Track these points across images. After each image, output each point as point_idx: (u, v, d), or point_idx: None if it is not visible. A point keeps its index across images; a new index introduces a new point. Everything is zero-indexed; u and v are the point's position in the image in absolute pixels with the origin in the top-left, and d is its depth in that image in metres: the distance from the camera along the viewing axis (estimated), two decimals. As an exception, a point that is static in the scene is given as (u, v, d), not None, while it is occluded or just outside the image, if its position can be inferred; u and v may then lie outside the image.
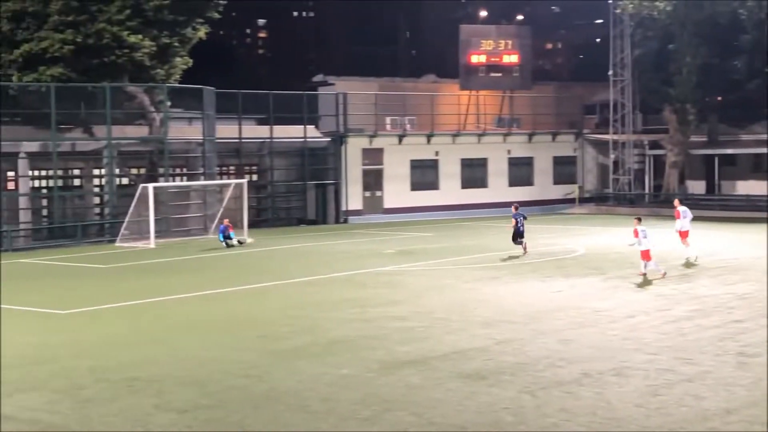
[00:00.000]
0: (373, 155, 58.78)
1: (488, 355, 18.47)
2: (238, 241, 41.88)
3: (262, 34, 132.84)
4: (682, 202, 35.41)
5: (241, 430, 13.82)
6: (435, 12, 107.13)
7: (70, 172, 50.03)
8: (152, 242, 42.42)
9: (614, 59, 63.03)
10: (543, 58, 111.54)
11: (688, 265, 31.81)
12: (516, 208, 36.55)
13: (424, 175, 61.08)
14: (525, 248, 35.73)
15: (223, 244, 41.01)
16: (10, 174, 46.80)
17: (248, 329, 21.66)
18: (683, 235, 33.44)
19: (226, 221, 42.42)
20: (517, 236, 36.00)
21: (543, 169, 65.18)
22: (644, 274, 28.80)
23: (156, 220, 43.94)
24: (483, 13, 78.33)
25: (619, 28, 62.73)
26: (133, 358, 18.64)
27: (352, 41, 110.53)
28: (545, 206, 62.44)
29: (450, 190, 61.33)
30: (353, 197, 57.51)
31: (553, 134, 65.33)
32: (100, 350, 19.60)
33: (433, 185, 61.20)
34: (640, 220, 30.31)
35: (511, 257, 34.76)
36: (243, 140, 53.89)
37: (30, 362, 18.43)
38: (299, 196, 56.52)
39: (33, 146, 46.65)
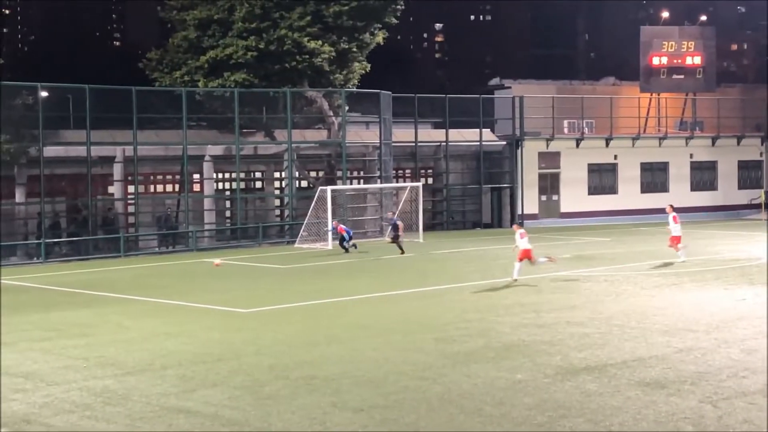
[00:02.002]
0: (549, 159, 58.16)
1: (668, 363, 17.94)
2: (353, 246, 41.16)
3: (438, 38, 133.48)
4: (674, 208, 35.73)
5: (416, 431, 13.85)
6: (615, 13, 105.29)
7: (252, 174, 51.52)
8: (330, 244, 43.16)
9: (804, 59, 60.33)
10: (728, 60, 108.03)
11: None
12: (393, 214, 43.17)
13: (602, 179, 60.08)
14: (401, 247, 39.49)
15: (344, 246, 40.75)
16: (196, 176, 48.55)
17: (423, 331, 21.72)
18: (677, 240, 34.46)
19: (335, 222, 42.50)
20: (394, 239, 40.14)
21: (727, 174, 63.08)
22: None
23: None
24: (665, 14, 76.37)
25: (810, 27, 60.02)
26: (311, 357, 18.97)
27: (529, 44, 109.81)
28: (729, 212, 60.44)
29: (629, 194, 60.09)
30: (529, 201, 57.04)
31: (738, 138, 63.14)
32: (279, 348, 20.04)
33: (612, 189, 60.11)
34: (521, 225, 32.81)
35: (692, 264, 33.74)
36: (419, 144, 54.20)
37: (213, 359, 19.00)
38: (474, 200, 56.45)
39: (217, 149, 48.26)
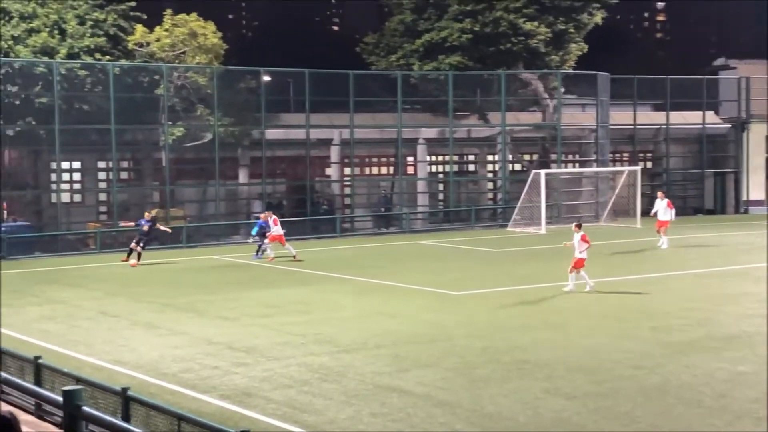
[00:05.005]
0: (778, 143, 55.53)
1: None
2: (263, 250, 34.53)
3: (660, 17, 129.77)
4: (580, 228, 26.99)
5: (631, 421, 13.49)
6: None
7: (465, 157, 51.60)
8: (543, 228, 42.72)
9: None
10: None
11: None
12: (149, 213, 34.33)
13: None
14: (138, 258, 32.52)
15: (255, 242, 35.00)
16: (410, 159, 49.05)
17: (640, 319, 21.16)
18: (580, 263, 26.17)
19: (263, 215, 35.70)
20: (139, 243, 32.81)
21: None
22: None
23: (547, 206, 44.21)
24: None
25: None
26: (523, 342, 18.81)
27: (757, 21, 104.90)
28: None
29: None
30: (755, 187, 54.68)
31: None
32: (491, 331, 19.98)
33: None
34: (271, 212, 35.00)
35: None
36: (638, 126, 52.80)
37: (426, 340, 19.13)
38: (696, 185, 54.59)
39: (431, 132, 48.58)
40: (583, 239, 25.16)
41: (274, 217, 34.64)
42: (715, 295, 24.37)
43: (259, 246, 34.54)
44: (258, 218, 36.44)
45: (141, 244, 32.69)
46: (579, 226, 25.93)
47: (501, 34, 47.04)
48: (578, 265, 25.03)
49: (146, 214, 34.16)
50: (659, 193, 37.73)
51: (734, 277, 27.47)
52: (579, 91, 54.81)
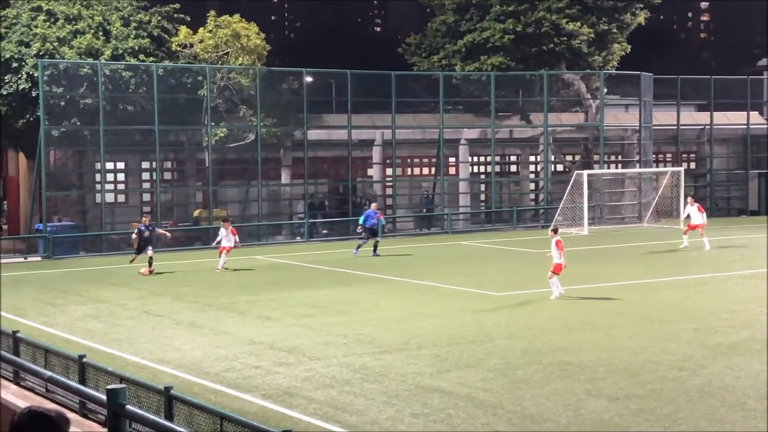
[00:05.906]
0: (823, 143, 54.83)
1: None
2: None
3: (704, 18, 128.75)
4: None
5: (673, 422, 13.41)
6: None
7: (507, 158, 51.51)
8: (585, 229, 42.54)
9: None
10: None
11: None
12: (146, 219, 32.84)
13: None
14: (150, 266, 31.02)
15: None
16: (452, 160, 49.04)
17: (683, 321, 21.01)
18: (557, 269, 24.70)
19: (374, 205, 36.58)
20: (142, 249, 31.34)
21: None
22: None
23: (589, 207, 44.02)
24: None
25: None
26: (565, 343, 18.75)
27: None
28: None
29: None
30: (800, 187, 54.05)
31: None
32: (533, 333, 19.92)
33: None
34: (226, 220, 32.83)
35: None
36: (681, 127, 52.41)
37: (467, 340, 19.12)
38: (740, 186, 54.09)
39: (473, 133, 48.52)
40: (558, 245, 24.55)
41: (231, 227, 32.51)
42: (759, 296, 24.11)
43: (372, 242, 34.93)
44: (368, 210, 35.73)
45: (144, 252, 31.30)
46: (555, 231, 25.53)
47: (543, 35, 46.91)
48: (556, 270, 24.61)
49: (144, 219, 33.22)
50: (689, 199, 37.53)
51: (779, 279, 27.15)
52: (622, 92, 54.53)
